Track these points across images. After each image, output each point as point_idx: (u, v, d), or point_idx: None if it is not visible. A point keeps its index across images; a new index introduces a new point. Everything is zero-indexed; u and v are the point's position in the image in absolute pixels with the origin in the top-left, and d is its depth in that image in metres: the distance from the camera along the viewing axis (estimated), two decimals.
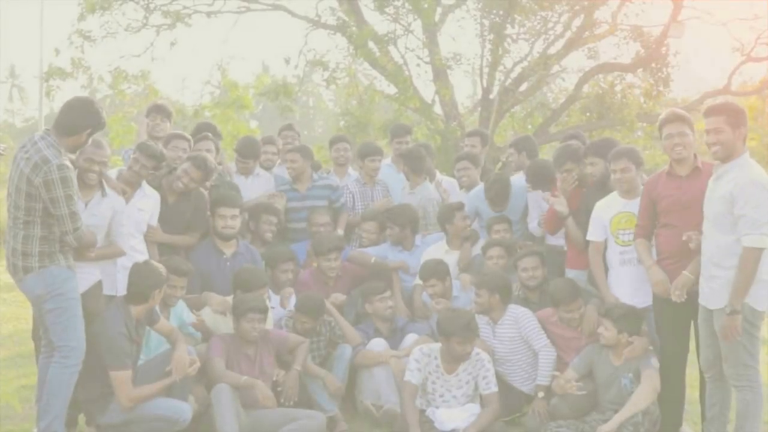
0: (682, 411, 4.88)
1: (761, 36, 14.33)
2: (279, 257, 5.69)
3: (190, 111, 16.15)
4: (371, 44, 13.67)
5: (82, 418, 4.81)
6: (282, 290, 5.61)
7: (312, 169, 6.48)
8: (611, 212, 4.99)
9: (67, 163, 4.26)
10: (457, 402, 4.95)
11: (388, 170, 6.97)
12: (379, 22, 14.35)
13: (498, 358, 5.23)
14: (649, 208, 4.72)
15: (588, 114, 15.17)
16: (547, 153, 10.62)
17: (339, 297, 5.71)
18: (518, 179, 6.15)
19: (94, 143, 4.58)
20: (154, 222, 5.29)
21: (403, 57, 14.09)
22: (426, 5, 13.07)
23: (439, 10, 14.30)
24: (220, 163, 6.19)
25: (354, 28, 13.74)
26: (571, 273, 5.42)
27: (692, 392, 4.96)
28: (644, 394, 4.65)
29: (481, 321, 5.19)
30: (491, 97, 14.32)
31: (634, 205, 4.87)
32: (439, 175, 6.76)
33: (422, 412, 4.92)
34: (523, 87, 14.62)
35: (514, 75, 14.28)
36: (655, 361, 4.74)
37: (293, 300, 5.54)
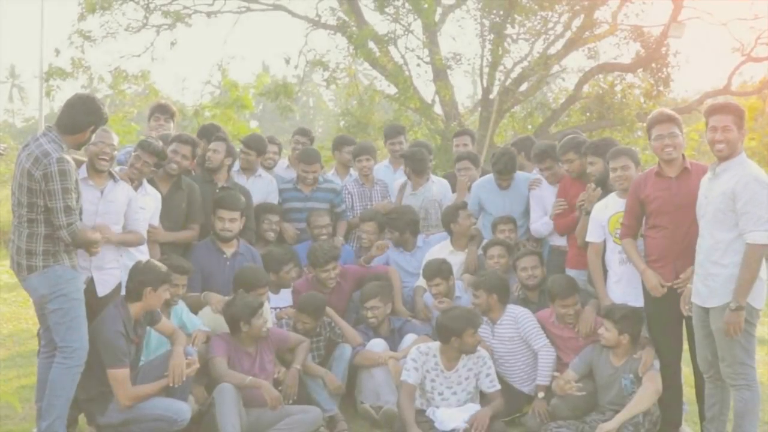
0: (682, 411, 4.88)
1: (761, 36, 14.37)
2: (281, 258, 5.70)
3: (190, 111, 16.15)
4: (371, 44, 13.69)
5: (82, 418, 4.81)
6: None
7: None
8: (609, 212, 5.00)
9: (68, 157, 4.27)
10: (457, 399, 4.96)
11: (385, 171, 6.98)
12: (379, 22, 14.40)
13: (497, 358, 5.23)
14: (636, 207, 4.72)
15: (588, 114, 15.18)
16: None
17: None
18: (521, 174, 6.20)
19: (102, 130, 4.62)
20: (156, 221, 5.29)
21: (403, 57, 14.12)
22: (426, 5, 13.08)
23: (439, 10, 14.32)
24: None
25: (354, 28, 13.75)
26: (571, 273, 5.41)
27: (691, 392, 4.96)
28: (646, 395, 4.65)
29: None
30: (491, 97, 14.33)
31: None
32: (432, 177, 6.76)
33: (422, 412, 4.92)
34: (523, 87, 14.64)
35: (514, 75, 14.30)
36: (656, 363, 4.74)
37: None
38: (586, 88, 15.15)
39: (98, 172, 4.69)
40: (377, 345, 5.37)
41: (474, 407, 4.92)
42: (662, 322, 4.70)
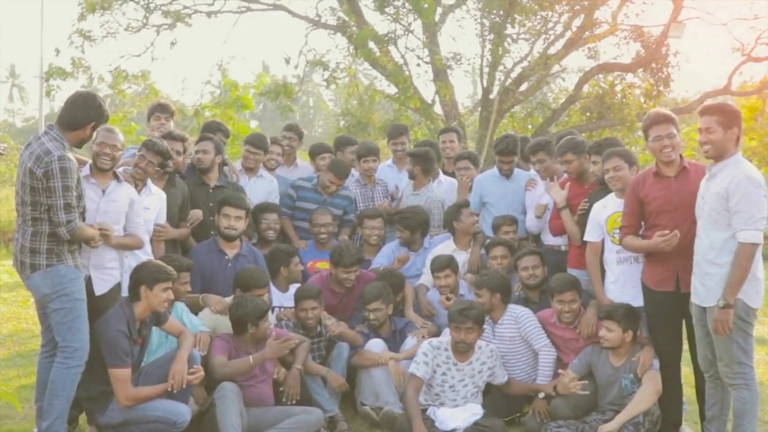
0: (682, 411, 4.88)
1: (761, 36, 14.37)
2: (289, 251, 5.74)
3: (190, 111, 16.15)
4: (371, 44, 13.69)
5: (82, 418, 4.81)
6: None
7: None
8: (607, 212, 5.01)
9: (69, 155, 4.27)
10: (467, 392, 4.98)
11: (389, 171, 6.98)
12: (379, 22, 14.46)
13: None
14: (636, 206, 4.72)
15: (588, 114, 15.19)
16: None
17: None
18: (520, 171, 6.30)
19: (106, 129, 4.61)
20: (163, 219, 5.27)
21: (403, 57, 14.13)
22: (426, 5, 13.08)
23: (439, 10, 14.32)
24: (225, 164, 6.19)
25: (354, 28, 13.75)
26: (572, 273, 5.41)
27: (691, 392, 4.96)
28: (647, 395, 4.65)
29: None
30: (491, 97, 14.32)
31: None
32: (441, 177, 6.77)
33: (422, 411, 4.90)
34: (523, 87, 14.64)
35: (514, 75, 14.30)
36: (655, 362, 4.74)
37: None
38: (586, 88, 15.15)
39: (101, 170, 4.68)
40: (376, 345, 5.36)
41: (475, 407, 4.93)
42: (662, 321, 4.70)
